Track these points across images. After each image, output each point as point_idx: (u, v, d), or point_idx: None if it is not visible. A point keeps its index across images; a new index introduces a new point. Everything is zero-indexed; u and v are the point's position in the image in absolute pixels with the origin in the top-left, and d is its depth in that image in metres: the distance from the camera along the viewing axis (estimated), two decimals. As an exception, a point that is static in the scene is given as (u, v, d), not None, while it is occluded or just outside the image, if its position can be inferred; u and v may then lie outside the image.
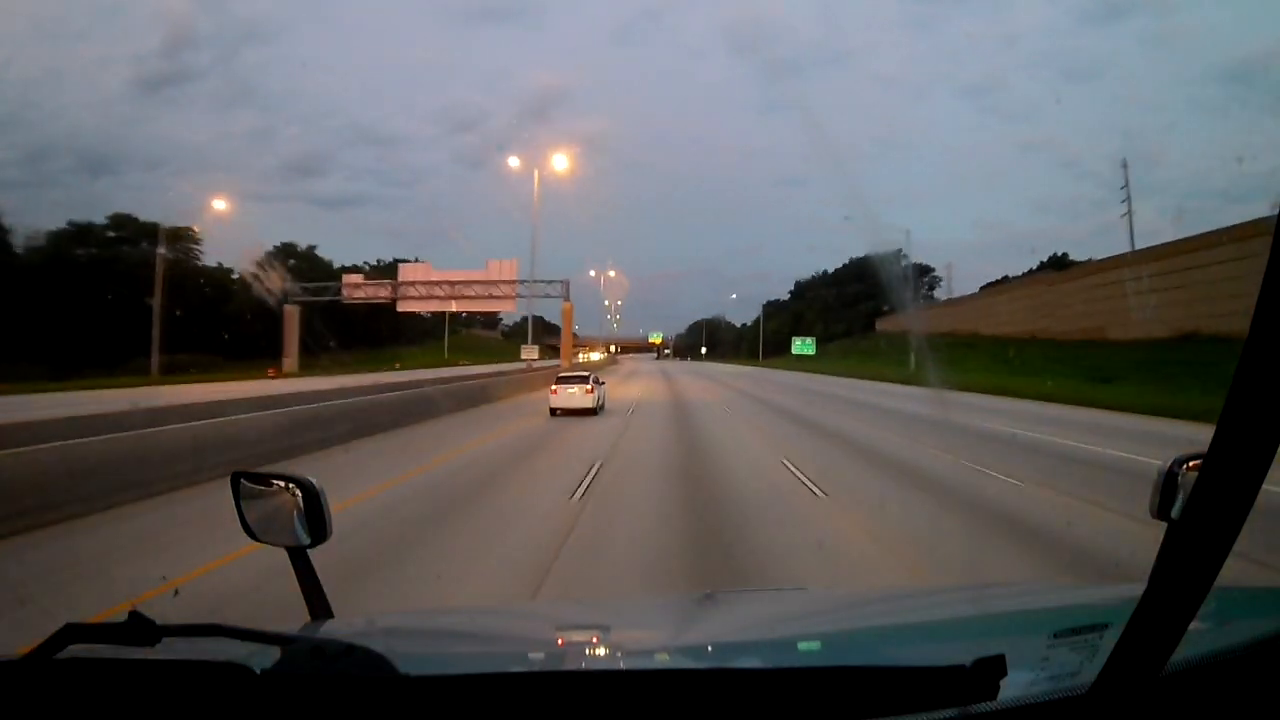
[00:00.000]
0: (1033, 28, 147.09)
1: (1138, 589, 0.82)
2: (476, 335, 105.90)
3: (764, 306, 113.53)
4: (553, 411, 19.44)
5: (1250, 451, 0.72)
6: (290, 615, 1.67)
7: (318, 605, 1.56)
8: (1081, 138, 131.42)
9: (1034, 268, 66.87)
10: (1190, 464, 1.33)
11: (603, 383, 22.40)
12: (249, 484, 1.64)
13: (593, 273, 75.96)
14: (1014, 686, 0.92)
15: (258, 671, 0.92)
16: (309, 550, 1.58)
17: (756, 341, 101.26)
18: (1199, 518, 0.76)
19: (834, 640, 1.61)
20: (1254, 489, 0.73)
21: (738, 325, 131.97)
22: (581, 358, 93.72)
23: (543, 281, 51.64)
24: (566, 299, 52.74)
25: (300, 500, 1.57)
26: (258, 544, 1.66)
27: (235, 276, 60.63)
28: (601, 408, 20.71)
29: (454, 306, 55.70)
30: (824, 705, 0.93)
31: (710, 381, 41.95)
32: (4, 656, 0.99)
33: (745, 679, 1.07)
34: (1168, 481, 1.35)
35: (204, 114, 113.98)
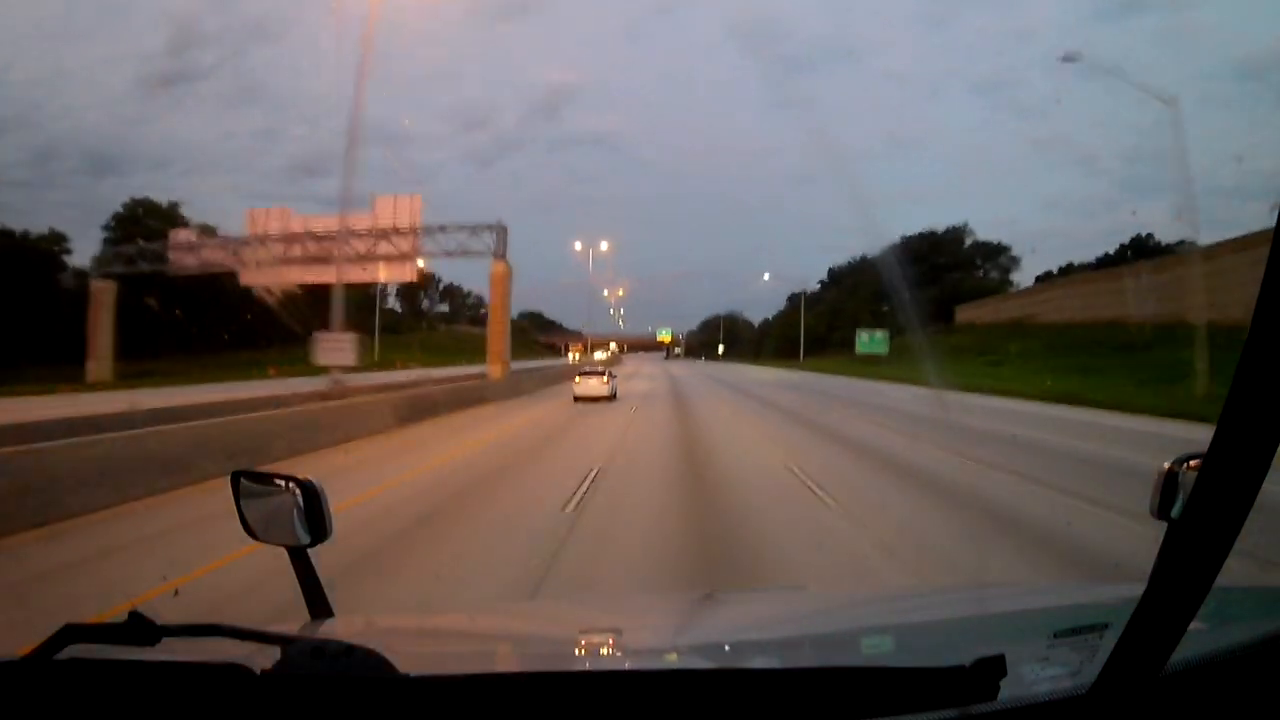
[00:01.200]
0: (1046, 23, 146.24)
1: (1138, 589, 0.82)
2: (458, 332, 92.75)
3: (790, 299, 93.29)
4: (576, 399, 23.34)
5: (1250, 451, 0.72)
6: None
7: (318, 605, 1.57)
8: (1094, 136, 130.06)
9: (1109, 253, 55.64)
10: (1190, 464, 1.33)
11: (615, 375, 26.85)
12: (249, 483, 1.64)
13: (578, 245, 59.39)
14: (1014, 686, 0.92)
15: (257, 672, 0.93)
16: (309, 550, 1.59)
17: (783, 339, 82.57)
18: (1199, 518, 0.76)
19: (834, 641, 1.61)
20: (1254, 489, 0.73)
21: (755, 323, 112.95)
22: (572, 357, 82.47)
23: (464, 228, 31.37)
24: (500, 256, 31.30)
25: (300, 500, 1.57)
26: None
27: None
28: (614, 397, 24.15)
29: (317, 277, 31.52)
30: (824, 706, 0.93)
31: (764, 410, 21.21)
32: (4, 657, 0.99)
33: (746, 679, 1.07)
34: (1168, 481, 1.35)
35: (210, 113, 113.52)
